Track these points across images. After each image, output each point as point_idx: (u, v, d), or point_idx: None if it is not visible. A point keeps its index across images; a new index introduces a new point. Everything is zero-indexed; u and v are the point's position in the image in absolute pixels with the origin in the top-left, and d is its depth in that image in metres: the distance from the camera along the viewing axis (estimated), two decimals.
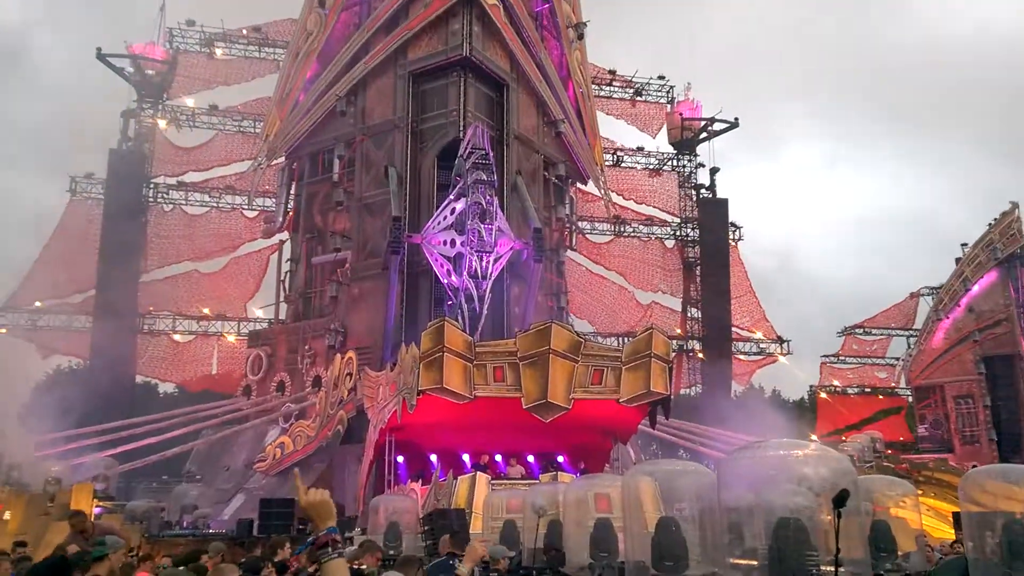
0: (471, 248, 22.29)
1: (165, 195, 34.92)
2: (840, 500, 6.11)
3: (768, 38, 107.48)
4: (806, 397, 47.77)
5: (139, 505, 20.36)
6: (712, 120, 39.75)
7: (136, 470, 25.69)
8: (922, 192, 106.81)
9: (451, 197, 23.22)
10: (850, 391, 42.78)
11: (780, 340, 39.72)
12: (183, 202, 35.06)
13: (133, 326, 33.23)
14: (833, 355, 43.03)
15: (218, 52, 35.69)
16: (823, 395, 42.77)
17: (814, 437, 31.42)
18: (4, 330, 32.44)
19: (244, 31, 35.76)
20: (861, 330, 43.33)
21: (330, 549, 2.81)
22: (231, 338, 33.99)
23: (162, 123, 35.36)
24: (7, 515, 14.95)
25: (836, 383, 43.03)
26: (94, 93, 34.87)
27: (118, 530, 10.19)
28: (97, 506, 17.84)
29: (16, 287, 32.54)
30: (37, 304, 32.92)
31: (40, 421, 22.45)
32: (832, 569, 5.11)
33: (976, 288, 38.46)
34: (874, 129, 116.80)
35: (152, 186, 34.72)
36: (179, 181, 35.17)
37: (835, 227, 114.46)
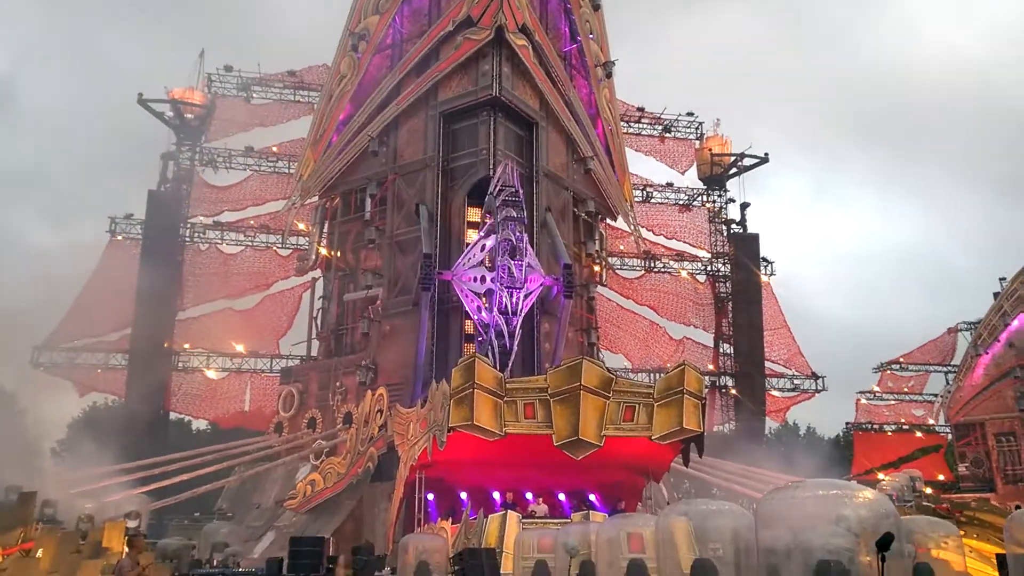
0: (501, 284, 22.35)
1: (201, 234, 35.65)
2: (884, 543, 5.85)
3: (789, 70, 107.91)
4: (841, 435, 46.58)
5: (170, 543, 20.28)
6: (742, 155, 39.75)
7: (168, 507, 25.79)
8: (913, 223, 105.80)
9: (481, 234, 23.38)
10: (887, 428, 41.73)
11: (815, 376, 39.02)
12: (219, 241, 35.75)
13: (168, 363, 33.73)
14: (869, 391, 42.04)
15: (255, 96, 36.69)
16: (859, 433, 41.75)
17: (850, 477, 30.47)
18: (42, 369, 33.07)
19: (280, 76, 36.79)
20: (898, 366, 42.41)
21: None
22: (264, 374, 34.29)
23: (200, 165, 36.29)
24: (39, 553, 14.97)
25: (872, 420, 42.02)
26: (134, 137, 35.96)
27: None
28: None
29: (56, 326, 33.27)
30: (75, 342, 33.58)
31: (75, 457, 22.77)
32: None
33: (1016, 323, 37.55)
34: (859, 159, 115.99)
35: (189, 226, 35.52)
36: (215, 221, 35.91)
37: (842, 262, 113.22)
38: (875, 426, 41.80)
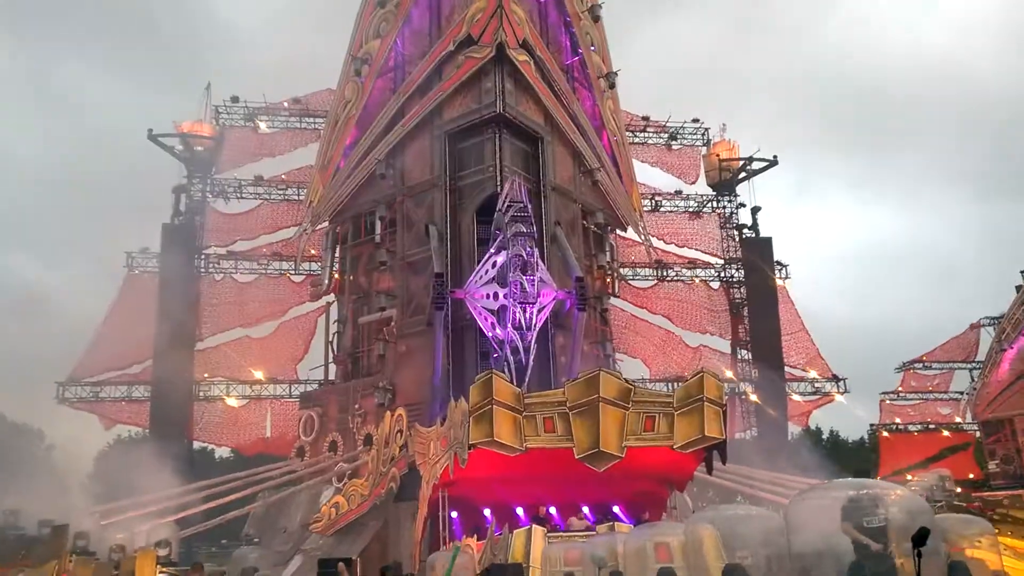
0: (514, 300, 22.43)
1: (216, 265, 36.10)
2: (920, 539, 5.76)
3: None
4: (866, 437, 46.19)
5: None
6: (750, 159, 39.68)
7: (197, 535, 25.98)
8: (900, 219, 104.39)
9: (491, 251, 23.48)
10: (913, 429, 41.31)
11: (836, 378, 38.59)
12: (233, 271, 36.18)
13: (189, 393, 34.08)
14: (892, 392, 41.58)
15: (262, 125, 37.23)
16: (885, 434, 41.25)
17: (878, 478, 30.19)
18: (67, 404, 33.55)
19: (285, 103, 37.29)
20: (920, 365, 41.95)
21: None
22: (283, 400, 34.53)
23: (211, 196, 36.81)
24: None
25: (898, 421, 41.52)
26: (145, 172, 36.61)
27: None
28: (160, 572, 18.02)
29: (79, 361, 33.76)
30: (97, 376, 34.02)
31: (103, 490, 23.04)
32: None
33: None
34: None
35: (203, 257, 35.97)
36: (228, 251, 36.34)
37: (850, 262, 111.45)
38: (901, 427, 41.29)
